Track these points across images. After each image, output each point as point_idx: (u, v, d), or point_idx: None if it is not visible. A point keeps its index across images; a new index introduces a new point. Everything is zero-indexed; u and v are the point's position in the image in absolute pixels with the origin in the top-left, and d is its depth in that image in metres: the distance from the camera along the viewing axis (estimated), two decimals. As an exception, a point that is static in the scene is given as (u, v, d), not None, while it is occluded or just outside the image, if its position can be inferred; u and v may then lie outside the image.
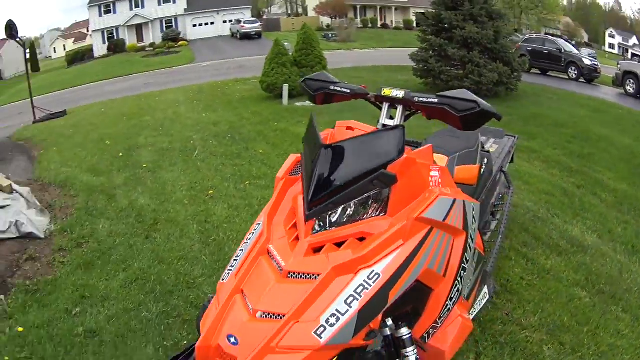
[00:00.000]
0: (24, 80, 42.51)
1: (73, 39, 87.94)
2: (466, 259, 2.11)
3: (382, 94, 2.29)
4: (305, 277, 1.79)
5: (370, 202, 1.90)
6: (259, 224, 2.13)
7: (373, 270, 1.74)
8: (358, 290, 1.69)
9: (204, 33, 52.31)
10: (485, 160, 3.27)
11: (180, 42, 48.26)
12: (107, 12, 52.67)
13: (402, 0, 56.37)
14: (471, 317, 2.42)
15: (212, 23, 53.68)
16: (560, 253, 4.01)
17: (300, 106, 11.19)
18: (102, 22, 52.43)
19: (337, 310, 1.65)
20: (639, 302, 3.43)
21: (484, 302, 2.65)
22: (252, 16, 54.94)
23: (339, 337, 1.62)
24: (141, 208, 5.34)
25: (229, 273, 2.04)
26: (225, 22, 53.05)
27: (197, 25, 53.45)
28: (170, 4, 53.10)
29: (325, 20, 53.94)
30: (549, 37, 23.36)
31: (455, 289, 2.07)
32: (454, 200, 2.01)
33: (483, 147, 3.55)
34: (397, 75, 15.81)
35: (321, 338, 1.60)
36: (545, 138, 8.48)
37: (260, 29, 46.54)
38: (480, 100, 2.09)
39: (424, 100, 2.16)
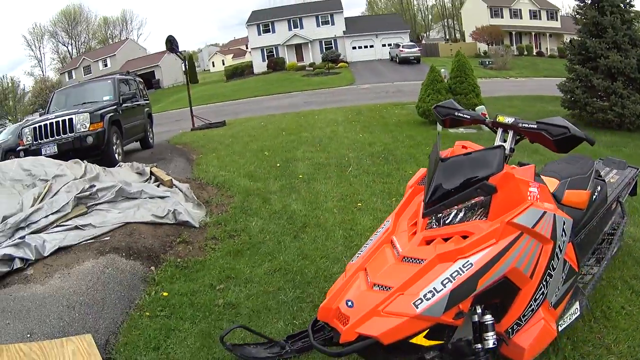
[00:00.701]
0: (181, 90, 48.02)
1: (232, 55, 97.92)
2: (552, 266, 2.66)
3: (497, 120, 2.99)
4: (416, 261, 2.52)
5: (476, 208, 2.60)
6: (389, 221, 2.98)
7: (468, 261, 2.39)
8: (453, 275, 2.35)
9: (363, 55, 56.77)
10: (599, 187, 3.72)
11: (340, 64, 52.35)
12: (266, 31, 59.29)
13: (555, 26, 56.54)
14: (560, 328, 2.94)
15: (371, 46, 58.26)
16: None
17: (452, 132, 11.83)
18: (261, 41, 59.21)
19: (434, 288, 2.32)
20: None
21: (574, 317, 3.11)
22: (411, 40, 58.36)
23: (432, 310, 2.27)
24: (293, 212, 6.30)
25: (357, 256, 2.89)
26: (384, 45, 57.33)
27: (357, 47, 58.15)
28: (329, 26, 58.76)
29: (482, 46, 55.96)
30: None
31: (540, 292, 2.63)
32: (544, 212, 2.58)
33: (599, 175, 3.92)
34: (548, 106, 16.33)
35: (417, 308, 2.28)
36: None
37: (419, 54, 49.47)
38: (571, 126, 2.71)
39: (526, 126, 2.84)
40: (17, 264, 4.63)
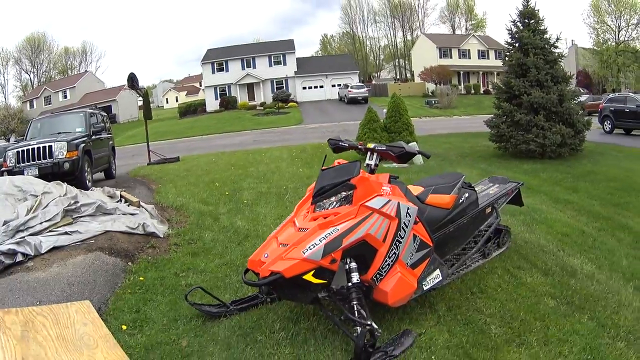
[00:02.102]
0: (136, 125, 48.28)
1: (186, 92, 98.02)
2: (400, 235, 4.07)
3: (367, 146, 4.55)
4: (306, 230, 3.93)
5: (345, 199, 4.12)
6: (293, 211, 4.47)
7: (336, 227, 3.85)
8: (327, 235, 3.78)
9: (313, 96, 58.57)
10: (467, 194, 5.18)
11: (290, 104, 54.17)
12: (220, 69, 60.55)
13: (502, 66, 58.00)
14: (425, 287, 4.39)
15: (321, 86, 59.93)
16: (547, 274, 5.21)
17: (386, 167, 12.98)
18: (215, 79, 60.42)
19: (314, 243, 3.73)
20: (612, 315, 4.32)
21: (436, 280, 4.49)
22: (360, 81, 60.69)
23: (314, 255, 3.66)
24: (238, 227, 7.76)
25: (273, 232, 4.35)
26: (333, 85, 59.04)
27: (307, 87, 59.79)
28: (281, 66, 60.31)
29: (431, 86, 57.87)
30: (630, 94, 24.07)
31: (392, 252, 4.04)
32: (389, 200, 4.05)
33: (470, 186, 5.43)
34: (482, 142, 17.60)
35: (304, 253, 3.67)
36: (588, 191, 9.72)
37: (367, 94, 51.25)
38: (407, 145, 4.41)
39: (379, 148, 4.46)
40: (19, 258, 5.88)
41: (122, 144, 35.48)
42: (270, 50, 62.38)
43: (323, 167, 4.52)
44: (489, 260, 5.49)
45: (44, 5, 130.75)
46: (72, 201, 7.56)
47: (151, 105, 76.68)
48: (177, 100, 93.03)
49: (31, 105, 67.99)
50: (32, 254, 6.02)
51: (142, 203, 8.73)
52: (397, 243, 4.08)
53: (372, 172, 4.50)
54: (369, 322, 3.75)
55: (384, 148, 4.46)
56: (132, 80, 19.79)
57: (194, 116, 57.37)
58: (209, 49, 65.39)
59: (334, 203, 4.17)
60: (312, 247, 3.72)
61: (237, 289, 5.38)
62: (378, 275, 4.02)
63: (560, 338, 3.94)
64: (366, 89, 53.81)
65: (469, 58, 63.38)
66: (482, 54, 63.60)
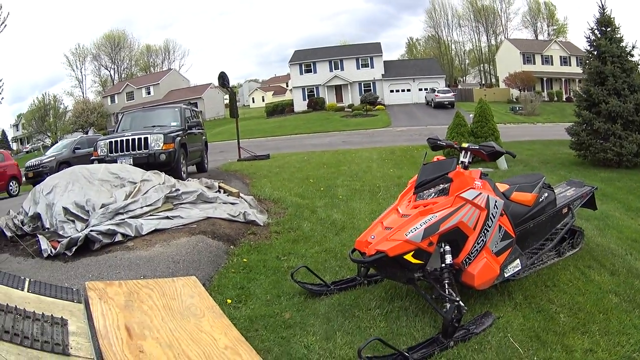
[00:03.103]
0: (222, 123, 49.82)
1: (272, 92, 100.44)
2: (488, 225, 4.58)
3: (461, 145, 5.12)
4: (408, 216, 4.54)
5: (443, 191, 4.69)
6: (397, 200, 5.12)
7: (435, 214, 4.38)
8: (426, 221, 4.32)
9: (400, 99, 59.66)
10: (546, 194, 5.60)
11: (378, 106, 55.09)
12: (308, 71, 62.25)
13: (582, 73, 56.50)
14: (506, 274, 4.83)
15: (408, 90, 60.83)
16: (614, 274, 5.51)
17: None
18: (303, 80, 62.20)
19: (415, 227, 4.28)
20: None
21: (517, 269, 4.94)
22: (446, 85, 61.01)
23: (415, 238, 4.20)
24: (334, 219, 8.20)
25: (378, 217, 4.99)
26: (420, 89, 59.55)
27: (394, 90, 60.89)
28: (369, 69, 61.66)
29: (515, 92, 58.01)
30: None
31: (481, 239, 4.54)
32: (480, 193, 4.55)
33: (549, 186, 5.78)
34: (564, 149, 17.64)
35: (407, 235, 4.23)
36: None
37: (453, 99, 51.59)
38: (497, 146, 5.03)
39: (473, 147, 5.02)
40: (119, 238, 6.44)
41: (209, 140, 36.86)
42: (357, 53, 63.44)
43: (424, 162, 5.13)
44: (563, 259, 5.87)
45: (124, 3, 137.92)
46: (173, 189, 8.18)
47: (237, 104, 79.65)
48: (263, 100, 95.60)
49: (112, 101, 72.34)
50: (133, 235, 6.58)
51: (241, 194, 9.32)
52: (485, 231, 4.59)
53: (465, 168, 4.97)
54: (457, 299, 4.29)
55: (477, 147, 5.05)
56: (223, 78, 20.74)
57: (282, 116, 59.03)
58: (296, 50, 67.18)
59: (433, 194, 4.74)
60: (413, 230, 4.26)
61: (337, 272, 5.84)
62: (467, 260, 4.52)
63: (619, 330, 4.32)
64: (452, 93, 54.12)
65: (552, 64, 62.69)
66: (564, 61, 62.58)
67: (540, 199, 5.50)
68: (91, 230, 6.40)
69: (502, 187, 5.34)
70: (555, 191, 5.90)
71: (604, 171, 13.49)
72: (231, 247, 6.86)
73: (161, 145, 11.59)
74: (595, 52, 15.53)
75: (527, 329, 4.37)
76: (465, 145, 5.12)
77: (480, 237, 4.55)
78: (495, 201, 4.67)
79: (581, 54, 57.67)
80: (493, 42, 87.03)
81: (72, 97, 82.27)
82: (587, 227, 7.09)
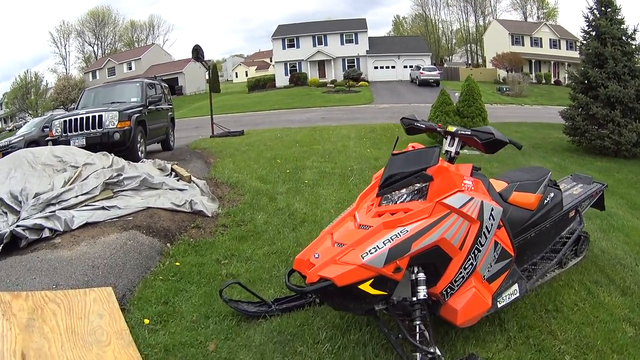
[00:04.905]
0: (203, 98, 49.16)
1: (256, 67, 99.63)
2: (480, 242, 3.35)
3: (447, 129, 3.89)
4: (368, 228, 3.28)
5: (418, 192, 3.40)
6: (355, 202, 3.82)
7: (405, 228, 3.15)
8: (392, 237, 3.10)
9: (384, 76, 58.43)
10: (552, 194, 4.42)
11: (361, 82, 53.94)
12: (291, 45, 61.06)
13: (574, 56, 58.28)
14: (499, 305, 3.69)
15: (392, 67, 59.81)
16: (625, 293, 4.56)
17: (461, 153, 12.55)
18: (285, 55, 60.91)
19: (377, 245, 3.07)
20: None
21: (513, 297, 3.80)
22: (432, 63, 60.05)
23: (375, 262, 3.01)
24: (295, 210, 7.15)
25: (328, 226, 3.74)
26: (405, 67, 58.64)
27: (378, 67, 59.77)
28: (353, 44, 60.39)
29: (502, 72, 57.25)
30: None
31: (469, 262, 3.33)
32: (471, 198, 3.31)
33: (555, 184, 4.65)
34: (554, 133, 17.18)
35: (363, 258, 3.01)
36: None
37: (439, 77, 50.82)
38: (496, 132, 3.65)
39: (463, 133, 3.80)
40: (46, 233, 5.50)
41: (187, 115, 36.22)
42: (342, 29, 62.07)
43: (394, 152, 3.77)
44: (565, 270, 4.81)
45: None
46: (115, 174, 7.15)
47: (220, 79, 78.65)
48: (246, 75, 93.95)
49: (94, 76, 70.08)
50: (62, 230, 5.63)
51: (193, 178, 8.23)
52: (476, 251, 3.38)
53: (451, 160, 3.84)
54: (431, 350, 3.16)
55: (469, 133, 3.78)
56: (197, 52, 19.65)
57: (263, 91, 57.63)
58: (279, 25, 65.60)
59: (405, 196, 3.47)
60: (373, 250, 3.07)
61: (283, 285, 4.70)
62: (449, 290, 3.36)
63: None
64: (438, 71, 53.25)
65: (541, 47, 61.89)
66: (554, 44, 61.88)
67: (545, 201, 4.35)
68: (17, 226, 5.46)
69: (498, 185, 4.15)
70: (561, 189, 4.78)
71: (600, 160, 12.81)
72: (167, 245, 5.79)
73: (116, 123, 10.49)
74: (594, 33, 14.87)
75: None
76: (452, 129, 3.90)
77: (468, 259, 3.35)
78: (492, 209, 3.44)
79: (571, 37, 58.49)
80: (481, 22, 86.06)
81: (56, 74, 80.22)
82: (589, 228, 6.08)
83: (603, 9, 14.78)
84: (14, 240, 5.33)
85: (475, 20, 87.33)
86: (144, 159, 9.93)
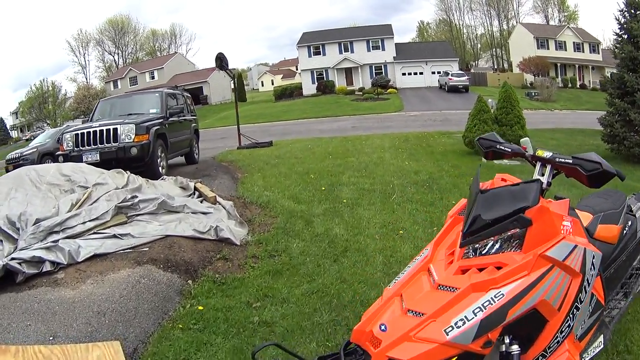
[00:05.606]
0: (228, 107, 49.24)
1: (281, 75, 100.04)
2: (580, 299, 2.71)
3: (536, 154, 3.19)
4: (450, 289, 2.61)
5: (511, 240, 2.70)
6: (427, 250, 3.08)
7: (500, 291, 2.47)
8: (485, 304, 2.43)
9: (413, 82, 57.89)
10: (630, 222, 3.77)
11: (389, 90, 53.34)
12: (317, 53, 60.69)
13: (597, 59, 58.18)
14: None
15: (420, 73, 59.27)
16: None
17: (497, 164, 11.91)
18: (312, 63, 60.63)
19: (465, 316, 2.40)
20: None
21: (597, 350, 3.18)
22: (460, 69, 59.86)
23: (461, 338, 2.35)
24: (335, 236, 6.36)
25: (394, 282, 2.98)
26: (433, 72, 58.33)
27: (406, 74, 59.26)
28: (380, 51, 59.84)
29: (529, 77, 57.32)
30: None
31: (567, 324, 2.68)
32: (576, 246, 2.65)
33: (630, 210, 3.94)
34: (589, 140, 16.75)
35: (447, 335, 2.35)
36: None
37: (468, 83, 50.47)
38: (604, 162, 2.93)
39: (563, 161, 3.06)
40: (47, 267, 4.76)
41: (212, 125, 35.93)
42: (368, 35, 61.55)
43: (482, 188, 3.00)
44: (631, 302, 4.00)
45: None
46: (129, 195, 6.42)
47: (246, 88, 78.64)
48: (272, 84, 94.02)
49: (115, 86, 70.29)
50: (65, 263, 4.87)
51: (218, 198, 7.45)
52: (575, 310, 2.73)
53: (541, 194, 3.03)
54: None
55: (570, 161, 3.07)
56: (221, 60, 19.04)
57: (290, 99, 57.33)
58: (304, 32, 65.15)
59: (495, 245, 2.76)
60: (460, 323, 2.42)
61: (328, 335, 3.95)
62: (541, 357, 2.72)
63: None
64: (467, 77, 52.87)
65: (565, 50, 61.54)
66: (577, 47, 61.58)
67: (625, 231, 3.65)
68: (12, 259, 4.73)
69: (584, 217, 3.41)
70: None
71: (639, 168, 12.05)
72: (188, 282, 5.00)
73: (132, 137, 9.81)
74: (627, 36, 14.57)
75: None
76: (542, 154, 3.17)
77: (566, 321, 2.68)
78: (593, 257, 2.79)
79: (593, 40, 60.05)
80: (505, 26, 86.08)
81: (76, 83, 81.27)
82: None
83: (633, 11, 14.52)
84: (9, 273, 4.61)
85: (499, 24, 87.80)
86: (165, 176, 9.18)
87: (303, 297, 4.62)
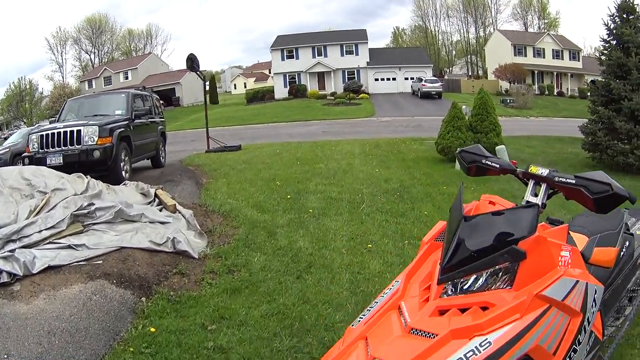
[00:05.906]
0: (200, 109, 48.76)
1: (254, 78, 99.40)
2: (579, 340, 2.32)
3: (529, 171, 2.78)
4: (425, 335, 2.16)
5: (500, 275, 2.29)
6: (398, 282, 2.62)
7: (486, 339, 2.05)
8: (468, 355, 2.01)
9: (385, 88, 58.08)
10: (627, 243, 3.41)
11: (362, 95, 53.55)
12: (290, 56, 60.64)
13: (577, 67, 58.85)
14: None
15: (393, 79, 59.60)
16: None
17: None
18: (284, 66, 60.50)
19: None
20: None
21: None
22: (433, 75, 60.39)
23: None
24: (299, 249, 6.14)
25: (359, 320, 2.51)
26: (406, 78, 58.53)
27: (379, 79, 59.54)
28: (353, 56, 59.93)
29: (504, 84, 57.77)
30: None
31: None
32: (577, 282, 2.28)
33: (628, 229, 3.59)
34: (568, 148, 16.72)
35: None
36: None
37: (441, 89, 50.83)
38: (614, 183, 2.52)
39: (563, 180, 2.63)
40: (5, 278, 4.53)
41: (183, 127, 35.55)
42: (342, 40, 61.68)
43: (466, 213, 2.53)
44: (627, 329, 3.71)
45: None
46: (86, 203, 6.17)
47: (219, 90, 78.27)
48: (245, 87, 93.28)
49: (90, 85, 69.40)
50: (21, 274, 4.62)
51: (179, 207, 7.19)
52: (573, 353, 2.31)
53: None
54: None
55: (572, 181, 2.62)
56: (192, 61, 18.90)
57: (262, 103, 57.17)
58: (278, 36, 65.10)
59: (479, 280, 2.33)
60: None
61: (289, 364, 3.71)
62: None
63: None
64: (440, 83, 53.28)
65: (543, 57, 62.14)
66: (557, 54, 62.26)
67: (622, 253, 3.31)
68: None
69: (579, 240, 3.07)
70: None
71: (624, 178, 11.80)
72: (142, 299, 4.73)
73: (95, 139, 9.54)
74: (615, 42, 14.37)
75: None
76: (536, 170, 2.77)
77: None
78: (595, 291, 2.42)
79: (574, 47, 60.54)
80: (482, 33, 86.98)
81: (52, 82, 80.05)
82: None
83: (625, 15, 14.30)
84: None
85: (476, 31, 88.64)
86: (127, 181, 8.89)
87: (262, 319, 4.38)
